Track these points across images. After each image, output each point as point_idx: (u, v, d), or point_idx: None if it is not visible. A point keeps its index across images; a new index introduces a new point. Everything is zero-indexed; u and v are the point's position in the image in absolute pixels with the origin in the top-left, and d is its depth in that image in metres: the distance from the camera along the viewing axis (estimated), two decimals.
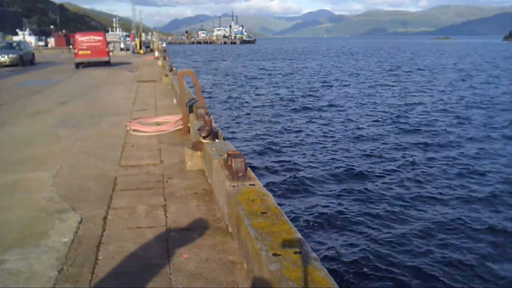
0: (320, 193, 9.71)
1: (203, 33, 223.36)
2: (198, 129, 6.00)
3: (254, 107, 21.53)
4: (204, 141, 5.62)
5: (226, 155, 4.35)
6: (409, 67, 50.14)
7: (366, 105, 22.09)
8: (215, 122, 7.01)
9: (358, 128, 16.48)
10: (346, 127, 16.76)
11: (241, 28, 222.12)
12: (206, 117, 5.76)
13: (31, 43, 50.66)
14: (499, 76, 38.50)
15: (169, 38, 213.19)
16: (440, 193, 9.68)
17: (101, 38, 25.91)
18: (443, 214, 8.55)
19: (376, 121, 17.93)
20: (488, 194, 9.70)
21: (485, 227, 8.02)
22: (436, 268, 6.57)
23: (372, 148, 13.58)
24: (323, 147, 13.74)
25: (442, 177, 10.82)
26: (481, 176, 10.92)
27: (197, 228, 3.89)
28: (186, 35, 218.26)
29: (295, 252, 2.65)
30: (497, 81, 34.28)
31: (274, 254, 2.63)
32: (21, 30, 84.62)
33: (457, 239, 7.55)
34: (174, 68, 17.64)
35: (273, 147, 13.57)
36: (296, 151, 13.27)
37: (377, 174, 10.96)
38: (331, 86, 30.81)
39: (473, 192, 9.82)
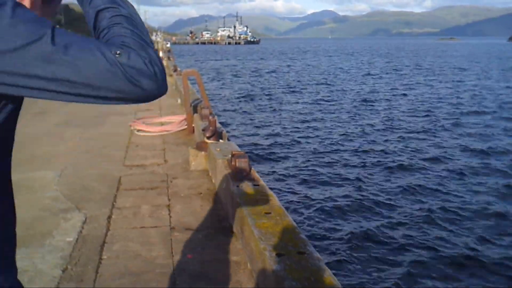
0: (325, 193, 9.69)
1: (208, 33, 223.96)
2: (203, 129, 6.01)
3: (259, 107, 21.55)
4: (208, 141, 5.62)
5: (230, 155, 4.35)
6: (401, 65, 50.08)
7: (373, 102, 22.07)
8: (219, 122, 7.02)
9: (364, 126, 16.45)
10: (352, 126, 16.73)
11: (245, 28, 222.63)
12: (211, 117, 5.77)
13: None
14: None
15: (174, 38, 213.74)
16: (445, 186, 9.66)
17: None
18: (450, 208, 8.53)
19: (383, 118, 17.91)
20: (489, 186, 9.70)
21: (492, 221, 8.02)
22: (444, 267, 6.54)
23: (378, 145, 13.54)
24: (329, 146, 13.72)
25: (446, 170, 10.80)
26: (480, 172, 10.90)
27: (201, 228, 3.89)
28: (190, 35, 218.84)
29: (299, 252, 2.65)
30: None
31: (278, 254, 2.63)
32: None
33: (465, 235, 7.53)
34: (179, 68, 17.67)
35: (278, 147, 13.56)
36: (301, 151, 13.25)
37: (383, 174, 10.92)
38: (335, 84, 30.79)
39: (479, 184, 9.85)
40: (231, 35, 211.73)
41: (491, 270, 6.55)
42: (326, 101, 23.86)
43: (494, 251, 7.09)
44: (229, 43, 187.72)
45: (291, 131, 15.96)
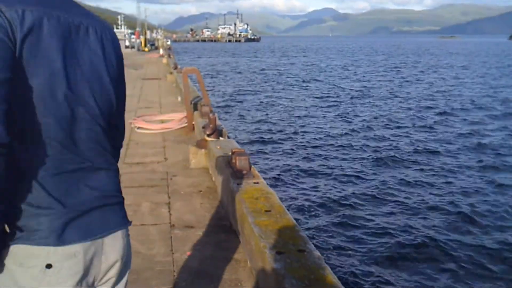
0: (325, 191, 9.69)
1: (208, 31, 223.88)
2: (203, 127, 6.01)
3: (260, 104, 21.53)
4: (208, 139, 5.62)
5: (230, 153, 4.35)
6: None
7: (373, 99, 22.07)
8: (220, 119, 7.03)
9: (365, 122, 16.45)
10: (353, 123, 16.72)
11: (246, 26, 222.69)
12: (211, 115, 5.77)
13: None
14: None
15: (174, 36, 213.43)
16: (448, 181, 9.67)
17: None
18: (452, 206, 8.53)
19: (390, 117, 17.90)
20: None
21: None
22: (446, 267, 6.55)
23: (379, 141, 13.54)
24: (329, 143, 13.71)
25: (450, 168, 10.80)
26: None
27: (201, 226, 3.89)
28: (191, 33, 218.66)
29: (299, 250, 2.65)
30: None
31: (278, 252, 2.62)
32: None
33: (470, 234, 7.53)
34: (179, 66, 17.67)
35: (278, 145, 13.56)
36: (301, 149, 13.25)
37: (385, 170, 10.91)
38: (336, 81, 30.78)
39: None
40: (232, 32, 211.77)
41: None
42: (326, 98, 23.84)
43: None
44: (230, 41, 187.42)
45: (291, 129, 15.95)
